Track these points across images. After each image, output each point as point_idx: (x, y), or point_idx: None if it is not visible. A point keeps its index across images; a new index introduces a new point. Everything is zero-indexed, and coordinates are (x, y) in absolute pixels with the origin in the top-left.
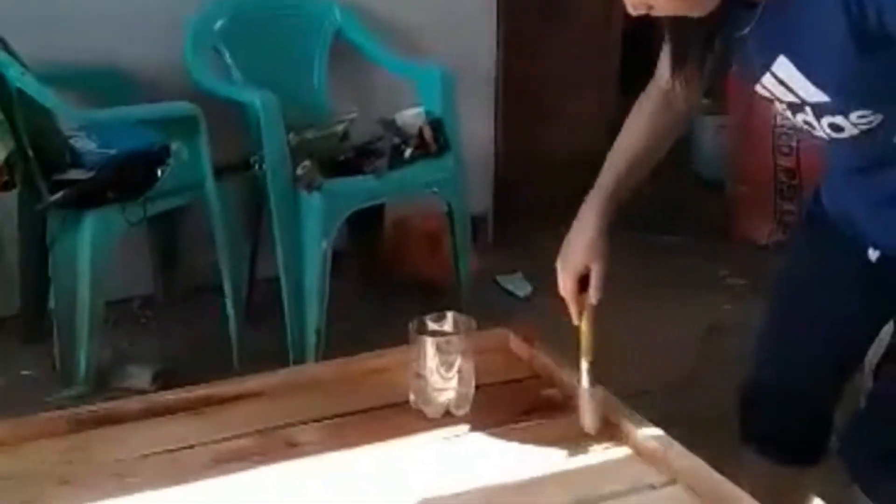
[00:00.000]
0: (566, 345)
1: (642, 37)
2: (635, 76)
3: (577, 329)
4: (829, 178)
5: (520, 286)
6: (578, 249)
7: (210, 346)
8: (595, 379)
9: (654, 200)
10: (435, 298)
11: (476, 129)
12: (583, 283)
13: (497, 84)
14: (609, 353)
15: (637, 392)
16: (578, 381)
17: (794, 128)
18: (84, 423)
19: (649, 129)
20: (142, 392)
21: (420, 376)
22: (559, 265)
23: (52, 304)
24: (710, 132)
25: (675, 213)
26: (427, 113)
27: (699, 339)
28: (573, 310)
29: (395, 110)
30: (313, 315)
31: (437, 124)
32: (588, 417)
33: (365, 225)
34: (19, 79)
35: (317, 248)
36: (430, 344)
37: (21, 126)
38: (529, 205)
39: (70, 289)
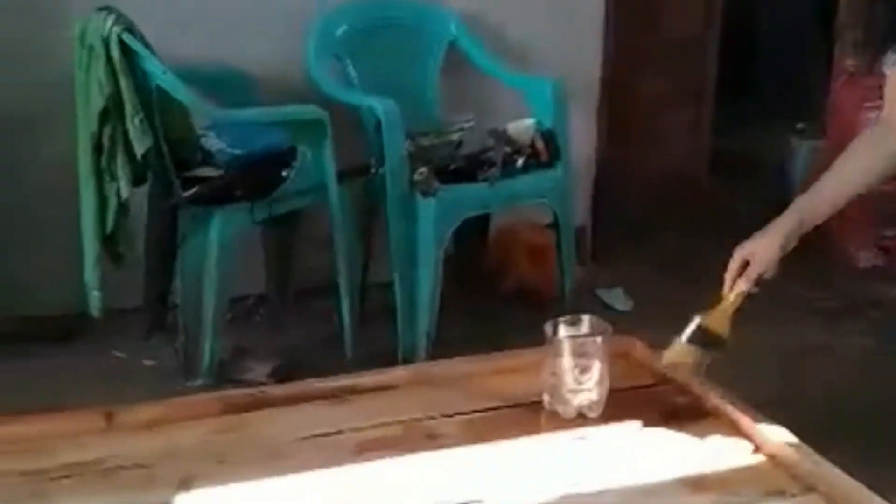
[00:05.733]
0: None
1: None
2: (733, 93)
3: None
4: None
5: (620, 300)
6: (751, 245)
7: (322, 346)
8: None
9: (750, 222)
10: (536, 309)
11: (578, 140)
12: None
13: (601, 96)
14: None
15: None
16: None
17: None
18: (236, 406)
19: (862, 160)
20: (261, 384)
21: (555, 377)
22: (737, 250)
23: (176, 297)
24: (805, 156)
25: None
26: (538, 123)
27: (790, 362)
28: (727, 284)
29: (504, 120)
30: (424, 319)
31: (548, 135)
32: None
33: (470, 234)
34: (160, 76)
35: (430, 254)
36: (567, 345)
37: (158, 123)
38: (629, 218)
39: (197, 284)
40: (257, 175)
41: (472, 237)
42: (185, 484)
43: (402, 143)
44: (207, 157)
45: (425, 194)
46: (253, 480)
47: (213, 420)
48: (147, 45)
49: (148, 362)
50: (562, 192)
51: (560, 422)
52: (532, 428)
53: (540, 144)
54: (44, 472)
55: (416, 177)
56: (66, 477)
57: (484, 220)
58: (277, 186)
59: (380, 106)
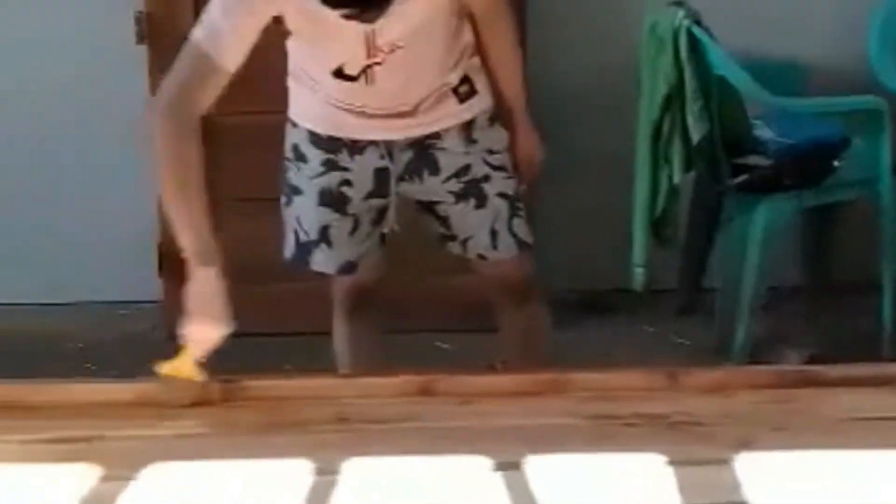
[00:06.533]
0: None
1: None
2: None
3: None
4: None
5: None
6: None
7: (857, 342)
8: None
9: None
10: None
11: None
12: None
13: None
14: None
15: None
16: None
17: None
18: (791, 381)
19: None
20: None
21: None
22: None
23: (710, 280)
24: None
25: None
26: None
27: None
28: None
29: None
30: None
31: None
32: None
33: None
34: (722, 64)
35: None
36: None
37: (714, 111)
38: None
39: (737, 268)
40: (807, 165)
41: None
42: (744, 445)
43: None
44: (757, 146)
45: None
46: (810, 450)
47: (769, 391)
48: (712, 37)
49: (678, 340)
50: None
51: None
52: None
53: None
54: (614, 417)
55: None
56: (632, 426)
57: None
58: (827, 177)
59: None
